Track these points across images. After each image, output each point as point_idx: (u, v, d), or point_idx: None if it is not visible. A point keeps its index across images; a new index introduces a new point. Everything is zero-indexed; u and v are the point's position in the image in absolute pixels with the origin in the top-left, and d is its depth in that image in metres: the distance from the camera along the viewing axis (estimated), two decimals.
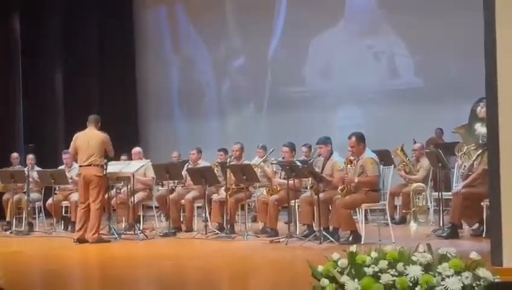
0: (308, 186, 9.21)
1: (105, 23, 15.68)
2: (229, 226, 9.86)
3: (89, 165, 9.41)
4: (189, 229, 10.49)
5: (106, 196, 10.55)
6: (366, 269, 3.47)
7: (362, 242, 7.93)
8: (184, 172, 10.75)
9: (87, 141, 9.50)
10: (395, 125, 13.35)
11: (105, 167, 9.49)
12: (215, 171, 10.14)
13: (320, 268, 3.66)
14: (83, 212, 9.48)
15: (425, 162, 10.66)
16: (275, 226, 9.54)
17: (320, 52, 14.69)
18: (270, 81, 15.30)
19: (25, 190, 11.21)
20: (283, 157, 9.90)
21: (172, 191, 10.83)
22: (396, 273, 3.39)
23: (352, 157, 8.71)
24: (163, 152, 13.84)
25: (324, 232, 8.47)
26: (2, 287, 1.55)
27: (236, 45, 15.68)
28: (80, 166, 9.64)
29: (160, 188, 11.56)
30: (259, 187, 10.52)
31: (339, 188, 8.58)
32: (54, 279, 6.92)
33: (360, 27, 14.45)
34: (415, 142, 11.32)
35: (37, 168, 11.58)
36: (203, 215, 10.24)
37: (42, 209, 11.54)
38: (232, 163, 10.28)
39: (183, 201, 10.65)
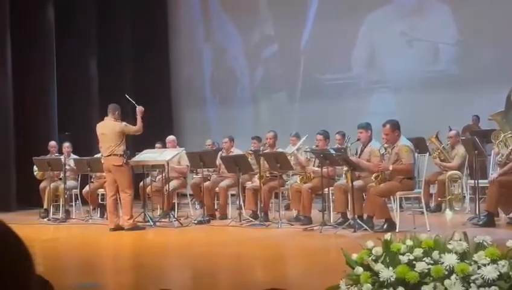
0: (343, 173, 9.18)
1: (138, 12, 15.77)
2: (262, 214, 9.89)
3: (109, 155, 9.52)
4: (223, 216, 10.54)
5: (141, 183, 10.68)
6: (400, 257, 3.45)
7: (397, 230, 7.88)
8: (218, 160, 10.79)
9: (103, 133, 9.62)
10: (429, 113, 13.21)
11: (125, 156, 9.55)
12: (249, 159, 10.17)
13: (354, 256, 3.65)
14: (112, 201, 9.61)
15: (460, 149, 10.55)
16: (309, 214, 9.54)
17: (354, 38, 14.58)
18: (303, 69, 15.24)
19: (61, 177, 11.36)
20: (317, 145, 9.88)
21: (206, 179, 10.89)
22: (431, 262, 3.37)
23: (386, 145, 8.65)
24: (196, 140, 13.91)
25: (358, 220, 8.44)
26: (40, 274, 1.57)
27: (269, 32, 15.65)
28: (104, 157, 9.75)
29: (194, 176, 11.62)
30: (292, 175, 10.52)
31: (373, 175, 8.53)
32: (89, 266, 7.01)
33: (395, 13, 14.30)
34: (450, 130, 11.20)
35: (73, 156, 11.72)
36: (237, 203, 10.28)
37: (79, 196, 11.68)
38: (266, 151, 10.28)
39: (217, 189, 10.70)
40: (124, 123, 9.62)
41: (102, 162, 9.88)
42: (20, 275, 0.99)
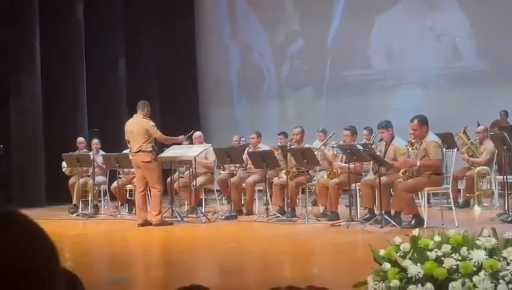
0: (371, 170, 9.15)
1: (165, 9, 15.85)
2: (289, 210, 9.90)
3: (138, 151, 9.59)
4: (250, 212, 10.57)
5: (168, 179, 10.73)
6: (428, 253, 3.44)
7: (424, 226, 7.83)
8: (245, 156, 10.82)
9: (132, 129, 9.69)
10: (457, 108, 13.10)
11: (153, 152, 9.61)
12: (276, 154, 10.18)
13: (381, 252, 3.65)
14: (141, 197, 9.68)
15: (489, 144, 10.45)
16: (336, 210, 9.53)
17: (380, 34, 14.50)
18: (330, 65, 15.19)
19: (90, 174, 11.47)
20: (344, 141, 9.86)
21: (233, 174, 10.92)
22: (459, 258, 3.36)
23: (414, 140, 8.60)
24: (223, 136, 13.94)
25: (386, 216, 8.41)
26: (68, 269, 1.59)
27: (295, 28, 15.62)
28: (133, 153, 9.82)
29: (221, 171, 11.66)
30: (319, 171, 10.50)
31: (401, 171, 8.49)
32: (118, 261, 7.08)
33: (421, 8, 14.19)
34: (478, 125, 11.10)
35: (101, 152, 11.83)
36: (264, 198, 10.30)
37: (107, 192, 11.79)
38: (293, 147, 10.29)
39: (244, 184, 10.73)
40: (153, 124, 9.68)
41: (131, 158, 9.96)
42: (46, 270, 0.98)
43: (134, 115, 9.84)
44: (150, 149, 9.55)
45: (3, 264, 0.92)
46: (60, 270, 1.02)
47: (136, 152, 9.61)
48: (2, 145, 12.74)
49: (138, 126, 9.62)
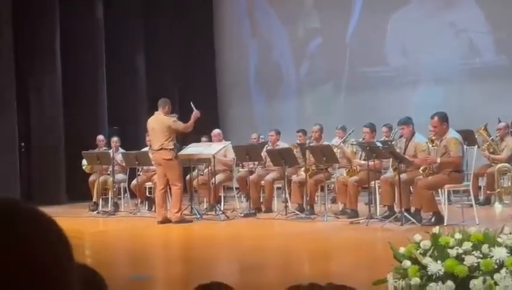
0: (391, 168, 9.11)
1: (184, 8, 15.88)
2: (308, 207, 9.88)
3: (159, 149, 9.61)
4: (269, 210, 10.57)
5: (188, 177, 10.75)
6: (449, 250, 3.43)
7: (445, 223, 7.79)
8: (264, 153, 10.82)
9: (153, 127, 9.72)
10: (477, 105, 12.99)
11: (175, 150, 9.63)
12: (295, 152, 10.17)
13: (401, 250, 3.64)
14: (161, 194, 9.71)
15: (510, 141, 10.37)
16: (355, 207, 9.50)
17: (398, 30, 14.41)
18: (349, 61, 15.14)
19: (110, 171, 11.52)
20: (363, 138, 9.83)
21: (252, 172, 10.93)
22: (480, 255, 3.34)
23: (434, 137, 8.55)
24: (241, 134, 13.95)
25: (405, 214, 8.38)
26: (91, 267, 1.59)
27: (314, 25, 15.58)
28: (154, 151, 9.86)
29: (240, 169, 11.67)
30: (338, 168, 10.48)
31: (421, 168, 8.45)
32: (138, 258, 7.12)
33: (439, 4, 14.09)
34: (499, 121, 11.00)
35: (121, 150, 11.88)
36: (283, 196, 10.29)
37: (127, 190, 11.85)
38: (312, 144, 10.27)
39: (263, 182, 10.73)
40: (174, 119, 9.69)
41: (150, 155, 9.99)
42: (56, 268, 0.95)
43: (155, 112, 9.86)
44: (172, 147, 9.57)
45: (9, 261, 0.91)
46: (72, 268, 1.00)
47: (158, 150, 9.64)
48: (23, 143, 12.84)
49: (159, 124, 9.64)
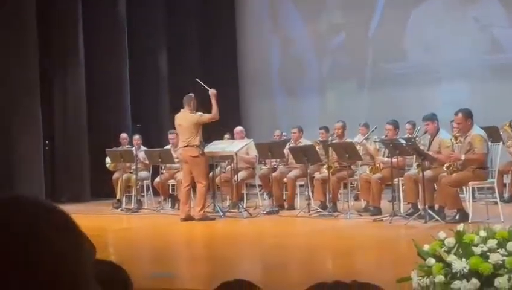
0: (414, 165, 9.06)
1: (205, 5, 15.91)
2: (331, 205, 9.86)
3: (186, 146, 9.63)
4: (292, 207, 10.56)
5: (210, 174, 10.77)
6: (474, 248, 3.40)
7: (469, 221, 7.72)
8: (286, 151, 10.81)
9: (180, 124, 9.74)
10: (501, 101, 12.84)
11: (201, 147, 9.64)
12: (317, 149, 10.14)
13: (426, 247, 3.62)
14: (185, 192, 9.72)
15: None
16: (378, 205, 9.46)
17: (422, 26, 14.30)
18: (372, 58, 15.06)
19: (133, 169, 11.58)
20: (386, 135, 9.77)
21: (274, 169, 10.92)
22: (505, 253, 3.31)
23: (458, 134, 8.48)
24: (263, 131, 13.94)
25: (429, 211, 8.32)
26: (117, 264, 1.59)
27: (336, 21, 15.51)
28: (181, 148, 9.89)
29: (262, 166, 11.67)
30: (361, 165, 10.44)
31: (445, 165, 8.38)
32: (162, 255, 7.14)
33: None
34: None
35: (143, 147, 11.94)
36: (306, 193, 10.28)
37: (150, 187, 11.90)
38: (334, 141, 10.24)
39: (285, 179, 10.72)
40: (199, 113, 9.68)
41: (173, 154, 9.99)
42: (75, 264, 0.93)
43: (181, 109, 9.86)
44: (198, 143, 9.56)
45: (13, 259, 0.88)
46: (85, 271, 0.96)
47: (184, 147, 9.65)
48: (47, 141, 12.96)
49: (186, 121, 9.65)
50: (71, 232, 0.97)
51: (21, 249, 0.89)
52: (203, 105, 10.08)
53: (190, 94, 9.99)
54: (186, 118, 9.67)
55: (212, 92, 9.72)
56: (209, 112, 9.71)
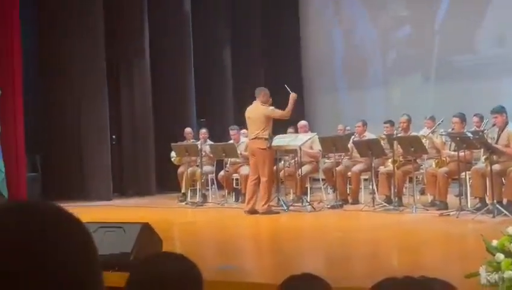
0: (482, 158, 8.87)
1: None
2: (396, 199, 9.75)
3: (254, 138, 9.65)
4: (356, 201, 10.49)
5: (274, 168, 10.78)
6: None
7: None
8: (350, 144, 10.74)
9: (249, 116, 9.76)
10: None
11: (269, 140, 9.65)
12: (382, 143, 10.04)
13: (494, 242, 3.55)
14: (253, 185, 9.74)
15: None
16: (445, 199, 9.31)
17: (490, 17, 13.98)
18: (438, 50, 14.80)
19: (198, 163, 11.71)
20: (453, 129, 9.60)
21: (338, 163, 10.87)
22: None
23: None
24: (327, 125, 13.89)
25: (498, 205, 8.14)
26: (188, 258, 1.62)
27: (402, 13, 15.31)
28: (249, 140, 9.95)
29: (326, 160, 11.63)
30: (427, 159, 10.28)
31: None
32: (226, 249, 7.20)
33: None
34: None
35: (209, 141, 12.06)
36: (370, 187, 10.19)
37: (215, 181, 12.02)
38: (399, 135, 10.12)
39: (349, 173, 10.66)
40: (272, 107, 9.69)
41: (247, 145, 9.99)
42: (84, 270, 0.95)
43: (254, 102, 9.89)
44: (266, 137, 9.57)
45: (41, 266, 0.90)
46: (94, 277, 0.96)
47: (253, 139, 9.69)
48: (114, 136, 13.23)
49: (256, 113, 9.67)
50: (81, 237, 0.98)
51: (32, 254, 0.91)
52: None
53: (263, 87, 10.00)
54: (257, 110, 9.67)
55: (292, 95, 9.83)
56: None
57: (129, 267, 1.96)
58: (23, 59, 11.50)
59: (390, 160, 9.99)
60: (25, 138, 11.40)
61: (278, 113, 9.65)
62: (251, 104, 9.89)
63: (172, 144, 11.87)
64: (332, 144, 10.38)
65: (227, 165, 11.61)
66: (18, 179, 11.21)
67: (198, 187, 11.79)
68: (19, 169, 11.34)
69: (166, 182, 13.33)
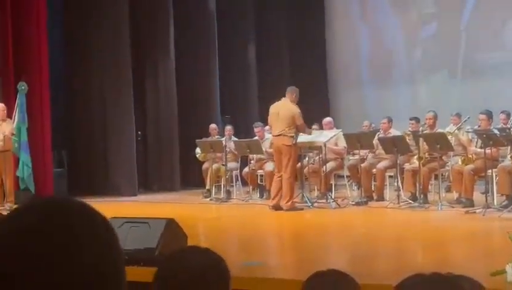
0: (509, 156, 8.79)
1: None
2: (422, 196, 9.69)
3: (279, 135, 9.65)
4: (381, 198, 10.45)
5: (298, 165, 10.78)
6: None
7: None
8: (375, 141, 10.69)
9: (277, 113, 9.74)
10: None
11: (295, 137, 9.64)
12: (407, 140, 9.99)
13: None
14: (278, 181, 9.73)
15: None
16: (471, 197, 9.23)
17: None
18: (464, 47, 14.67)
19: (223, 161, 11.74)
20: (479, 125, 9.52)
21: (363, 160, 10.83)
22: None
23: None
24: (352, 121, 13.82)
25: None
26: (215, 253, 1.63)
27: (428, 10, 15.19)
28: (273, 136, 9.95)
29: (351, 157, 11.59)
30: (453, 156, 10.21)
31: None
32: (251, 245, 7.23)
33: None
34: None
35: (234, 138, 12.08)
36: (395, 184, 10.14)
37: (239, 177, 12.04)
38: (425, 132, 10.05)
39: (374, 170, 10.61)
40: (299, 111, 9.66)
41: (271, 142, 10.01)
42: (109, 269, 0.95)
43: (283, 98, 9.88)
44: (292, 134, 9.57)
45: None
46: (118, 276, 0.97)
47: (277, 135, 9.69)
48: (139, 132, 13.32)
49: (285, 110, 9.65)
50: (105, 235, 0.98)
51: (55, 252, 0.92)
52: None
53: (294, 86, 10.01)
54: (286, 107, 9.65)
55: (308, 131, 10.18)
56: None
57: (155, 263, 1.98)
58: (49, 54, 11.62)
59: (415, 157, 9.93)
60: (51, 134, 11.52)
61: (301, 121, 9.65)
62: (275, 101, 9.90)
63: (197, 140, 11.91)
64: (357, 140, 10.34)
65: (252, 162, 11.63)
66: (45, 174, 11.34)
67: (222, 183, 11.82)
68: (46, 164, 11.46)
69: (191, 178, 13.38)
